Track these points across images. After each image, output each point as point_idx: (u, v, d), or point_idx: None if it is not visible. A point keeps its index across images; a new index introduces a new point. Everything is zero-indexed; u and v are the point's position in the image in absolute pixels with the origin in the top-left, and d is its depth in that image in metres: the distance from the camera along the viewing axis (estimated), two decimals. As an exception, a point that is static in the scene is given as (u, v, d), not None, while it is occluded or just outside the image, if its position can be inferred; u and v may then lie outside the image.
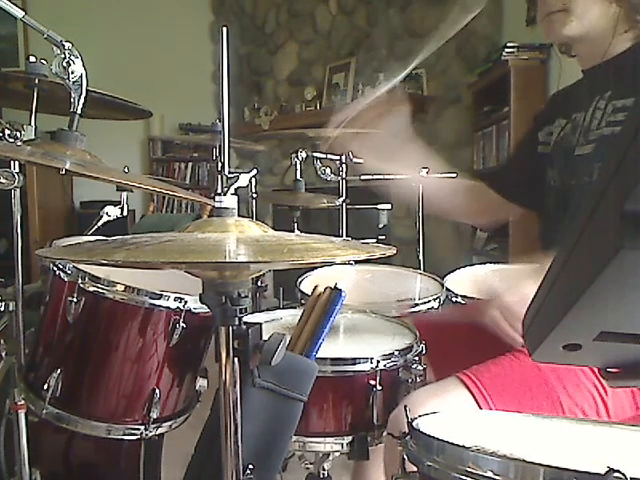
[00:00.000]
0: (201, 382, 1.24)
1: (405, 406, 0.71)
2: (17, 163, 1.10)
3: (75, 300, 1.11)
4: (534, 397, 0.97)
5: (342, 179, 2.28)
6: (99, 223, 1.49)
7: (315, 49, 4.90)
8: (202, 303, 0.73)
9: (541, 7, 1.12)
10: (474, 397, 0.95)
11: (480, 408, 0.95)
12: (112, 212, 1.47)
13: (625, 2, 1.06)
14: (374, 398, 1.05)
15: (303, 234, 0.79)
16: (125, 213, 1.48)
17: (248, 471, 0.87)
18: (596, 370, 0.52)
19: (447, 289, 1.61)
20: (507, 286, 1.05)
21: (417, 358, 1.12)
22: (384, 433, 1.07)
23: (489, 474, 0.56)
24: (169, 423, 1.20)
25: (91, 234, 1.49)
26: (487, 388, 0.96)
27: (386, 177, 1.63)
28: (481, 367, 1.01)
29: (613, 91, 1.08)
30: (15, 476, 1.21)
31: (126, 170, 1.09)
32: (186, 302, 1.12)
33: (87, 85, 1.02)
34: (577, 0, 1.07)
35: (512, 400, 0.95)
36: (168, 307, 1.13)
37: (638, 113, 0.33)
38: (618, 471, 0.49)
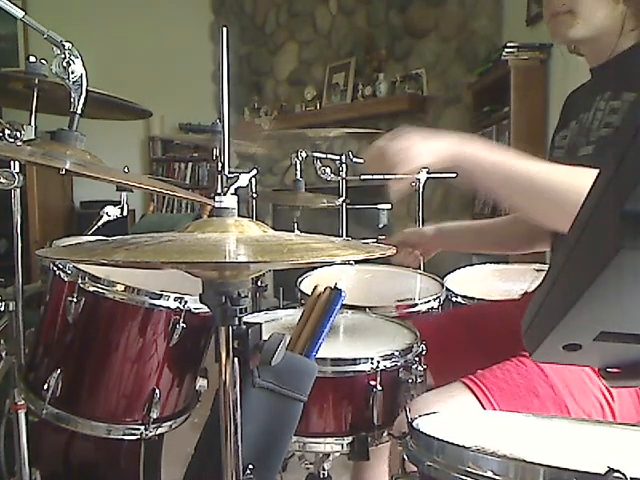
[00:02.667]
0: (201, 382, 1.24)
1: (405, 406, 0.71)
2: (17, 163, 1.10)
3: (75, 300, 1.10)
4: (541, 402, 0.96)
5: (342, 179, 2.28)
6: (99, 223, 1.49)
7: (315, 49, 4.91)
8: (202, 303, 0.73)
9: (546, 7, 1.11)
10: (480, 402, 0.94)
11: None
12: (112, 212, 1.47)
13: (633, 1, 1.04)
14: (374, 398, 1.04)
15: (303, 234, 0.79)
16: (125, 213, 1.49)
17: (248, 471, 0.87)
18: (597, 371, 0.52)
19: (447, 289, 1.61)
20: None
21: (417, 358, 1.12)
22: (385, 434, 1.07)
23: (489, 474, 0.56)
24: (169, 423, 1.20)
25: (91, 234, 1.49)
26: (493, 393, 0.95)
27: (386, 177, 1.63)
28: (487, 372, 1.00)
29: (612, 91, 1.07)
30: (15, 476, 1.21)
31: (126, 170, 1.09)
32: (186, 302, 1.12)
33: (87, 85, 1.02)
34: (583, 1, 1.06)
35: (519, 405, 0.94)
36: (168, 307, 1.13)
37: (638, 113, 0.33)
38: (618, 471, 0.49)
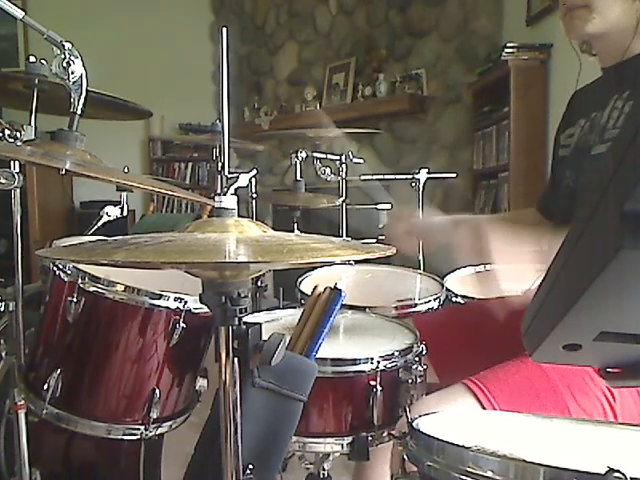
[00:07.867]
0: (201, 382, 1.24)
1: (405, 406, 0.71)
2: (17, 163, 1.10)
3: (75, 300, 1.11)
4: (542, 405, 0.95)
5: (342, 179, 2.28)
6: (99, 223, 1.49)
7: (315, 49, 4.90)
8: (202, 303, 0.73)
9: (562, 2, 1.11)
10: (481, 404, 0.94)
11: None
12: (112, 212, 1.47)
13: None
14: (374, 398, 1.04)
15: (303, 234, 0.79)
16: (125, 213, 1.49)
17: (248, 471, 0.87)
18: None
19: (447, 289, 1.61)
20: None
21: (417, 358, 1.12)
22: (385, 434, 1.07)
23: (489, 474, 0.56)
24: (169, 423, 1.20)
25: (91, 234, 1.49)
26: (495, 395, 0.95)
27: (386, 177, 1.63)
28: (488, 373, 1.00)
29: (632, 91, 1.06)
30: (15, 476, 1.21)
31: (126, 170, 1.09)
32: (186, 302, 1.12)
33: (87, 85, 1.02)
34: None
35: (520, 407, 0.93)
36: (168, 307, 1.13)
37: (637, 113, 0.33)
38: (618, 471, 0.49)
